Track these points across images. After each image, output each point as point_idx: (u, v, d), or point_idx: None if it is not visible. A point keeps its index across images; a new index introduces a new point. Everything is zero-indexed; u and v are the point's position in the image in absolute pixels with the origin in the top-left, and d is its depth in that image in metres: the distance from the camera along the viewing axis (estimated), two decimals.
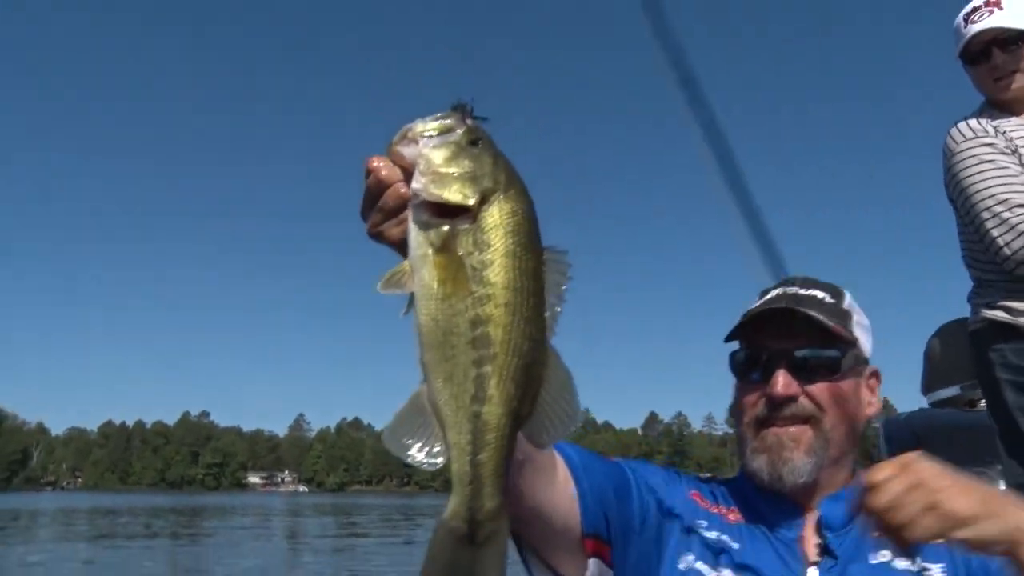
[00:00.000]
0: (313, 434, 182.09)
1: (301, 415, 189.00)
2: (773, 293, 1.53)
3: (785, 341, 1.43)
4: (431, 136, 0.96)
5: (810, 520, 1.40)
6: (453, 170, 0.94)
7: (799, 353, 1.42)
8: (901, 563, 1.32)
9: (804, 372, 1.42)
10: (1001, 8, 2.80)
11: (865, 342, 1.51)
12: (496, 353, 0.92)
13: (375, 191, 0.99)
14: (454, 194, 0.93)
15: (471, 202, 0.93)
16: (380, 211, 0.99)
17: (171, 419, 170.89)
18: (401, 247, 0.98)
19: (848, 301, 1.53)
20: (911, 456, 1.15)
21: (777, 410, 1.41)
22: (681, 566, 1.37)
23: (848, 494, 1.39)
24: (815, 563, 1.34)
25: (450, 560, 0.95)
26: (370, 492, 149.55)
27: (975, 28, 2.81)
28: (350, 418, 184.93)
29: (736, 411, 1.50)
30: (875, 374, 1.53)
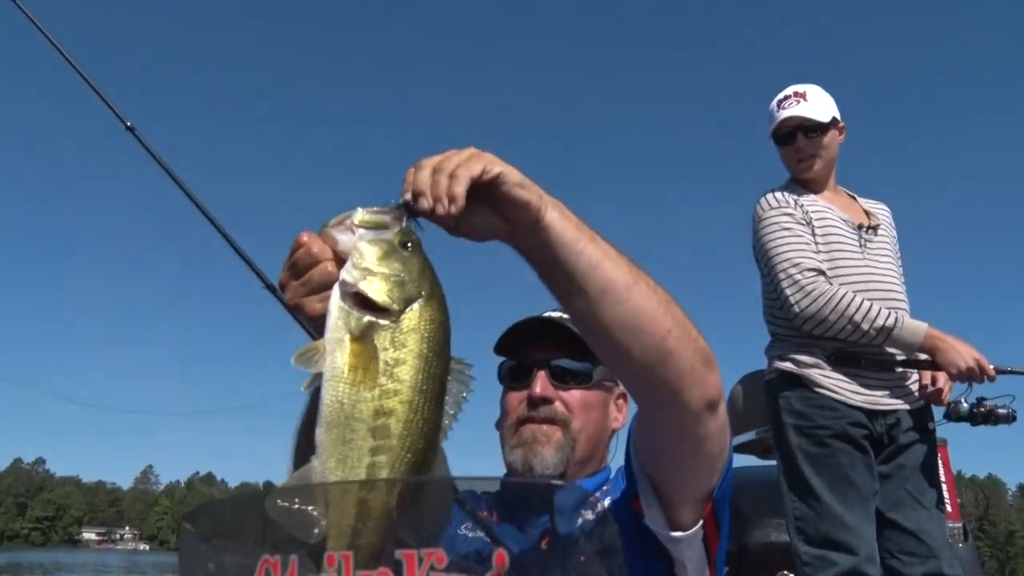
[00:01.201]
0: (161, 488, 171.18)
1: (149, 467, 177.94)
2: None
3: (544, 352, 1.64)
4: (368, 229, 1.02)
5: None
6: (384, 270, 1.01)
7: (556, 362, 1.63)
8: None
9: (560, 379, 1.63)
10: (806, 100, 3.20)
11: None
12: (392, 446, 0.97)
13: (303, 264, 1.05)
14: (382, 295, 1.00)
15: (395, 307, 1.00)
16: (304, 284, 1.06)
17: None
18: (315, 322, 1.04)
19: None
20: None
21: (535, 409, 1.61)
22: None
23: (580, 485, 1.58)
24: (547, 548, 1.46)
25: None
26: None
27: (784, 113, 3.19)
28: (203, 472, 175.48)
29: (501, 416, 1.68)
30: (623, 395, 1.73)
